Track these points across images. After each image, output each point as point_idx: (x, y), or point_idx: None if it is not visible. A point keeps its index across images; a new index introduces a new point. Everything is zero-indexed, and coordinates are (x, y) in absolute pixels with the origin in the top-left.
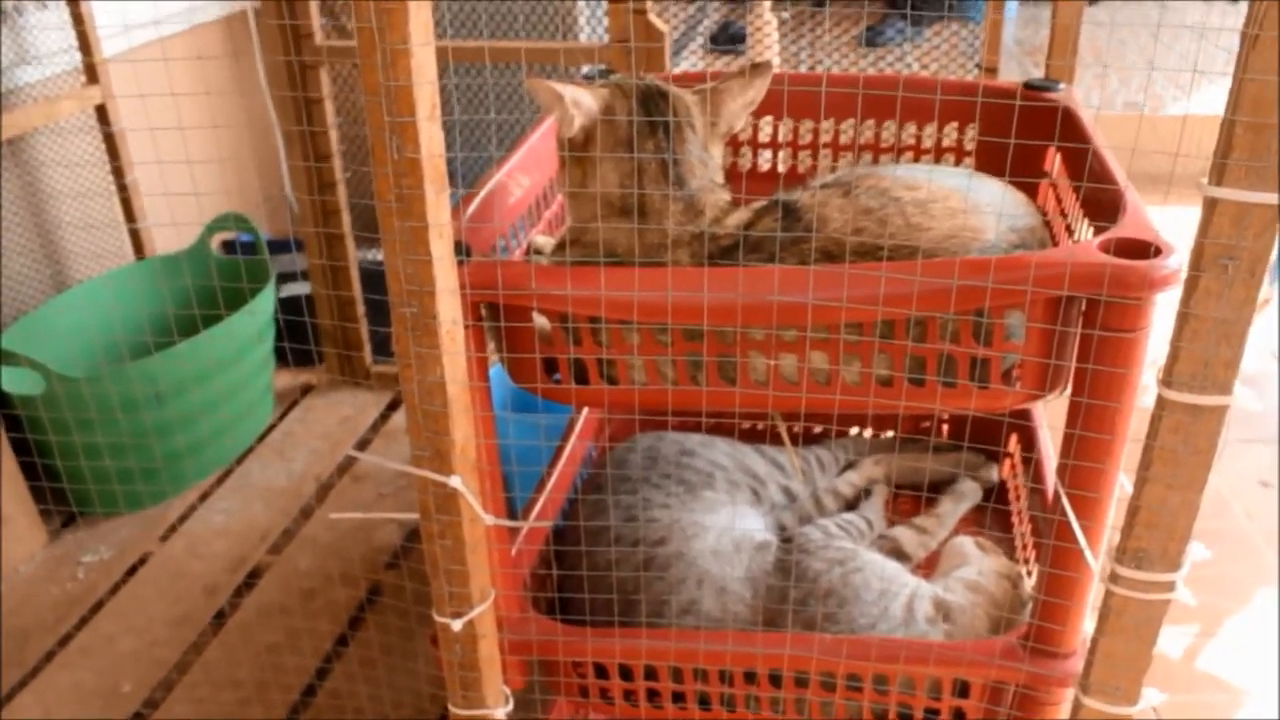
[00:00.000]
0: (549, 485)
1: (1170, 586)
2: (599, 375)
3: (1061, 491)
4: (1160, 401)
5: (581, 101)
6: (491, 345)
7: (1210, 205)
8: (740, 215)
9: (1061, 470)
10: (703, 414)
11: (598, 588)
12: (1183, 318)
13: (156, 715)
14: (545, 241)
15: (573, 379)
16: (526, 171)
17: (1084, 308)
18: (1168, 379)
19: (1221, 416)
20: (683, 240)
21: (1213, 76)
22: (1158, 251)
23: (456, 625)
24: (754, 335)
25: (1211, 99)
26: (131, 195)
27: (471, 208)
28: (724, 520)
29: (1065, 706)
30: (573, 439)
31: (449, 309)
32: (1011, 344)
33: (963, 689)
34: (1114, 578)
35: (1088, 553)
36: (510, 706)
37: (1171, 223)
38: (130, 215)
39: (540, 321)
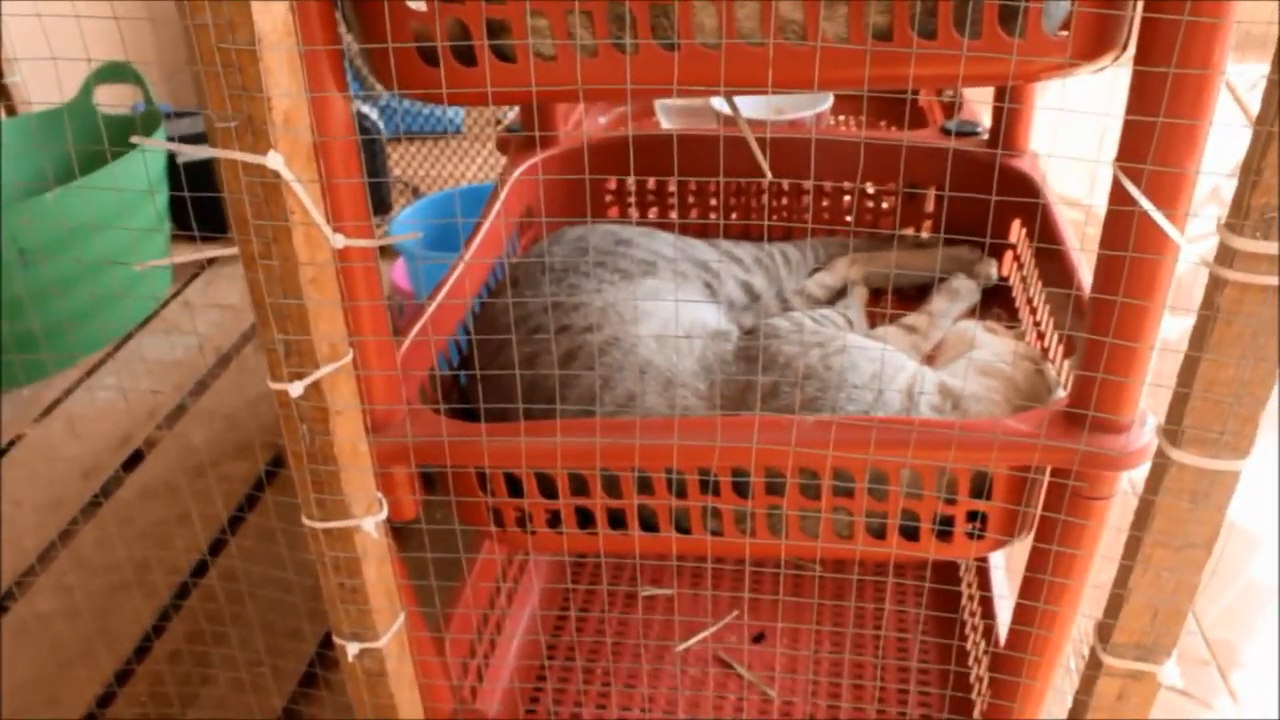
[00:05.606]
0: (455, 274)
1: None
2: (491, 53)
3: (1121, 175)
4: None
5: None
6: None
7: None
8: None
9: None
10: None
11: (511, 391)
12: None
13: (15, 609)
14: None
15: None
16: None
17: None
18: None
19: None
20: None
21: None
22: None
23: (296, 389)
24: None
25: None
26: None
27: None
28: (670, 307)
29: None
30: (479, 239)
31: None
32: None
33: (984, 488)
34: (1224, 257)
35: (1170, 229)
36: (384, 514)
37: None
38: None
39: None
